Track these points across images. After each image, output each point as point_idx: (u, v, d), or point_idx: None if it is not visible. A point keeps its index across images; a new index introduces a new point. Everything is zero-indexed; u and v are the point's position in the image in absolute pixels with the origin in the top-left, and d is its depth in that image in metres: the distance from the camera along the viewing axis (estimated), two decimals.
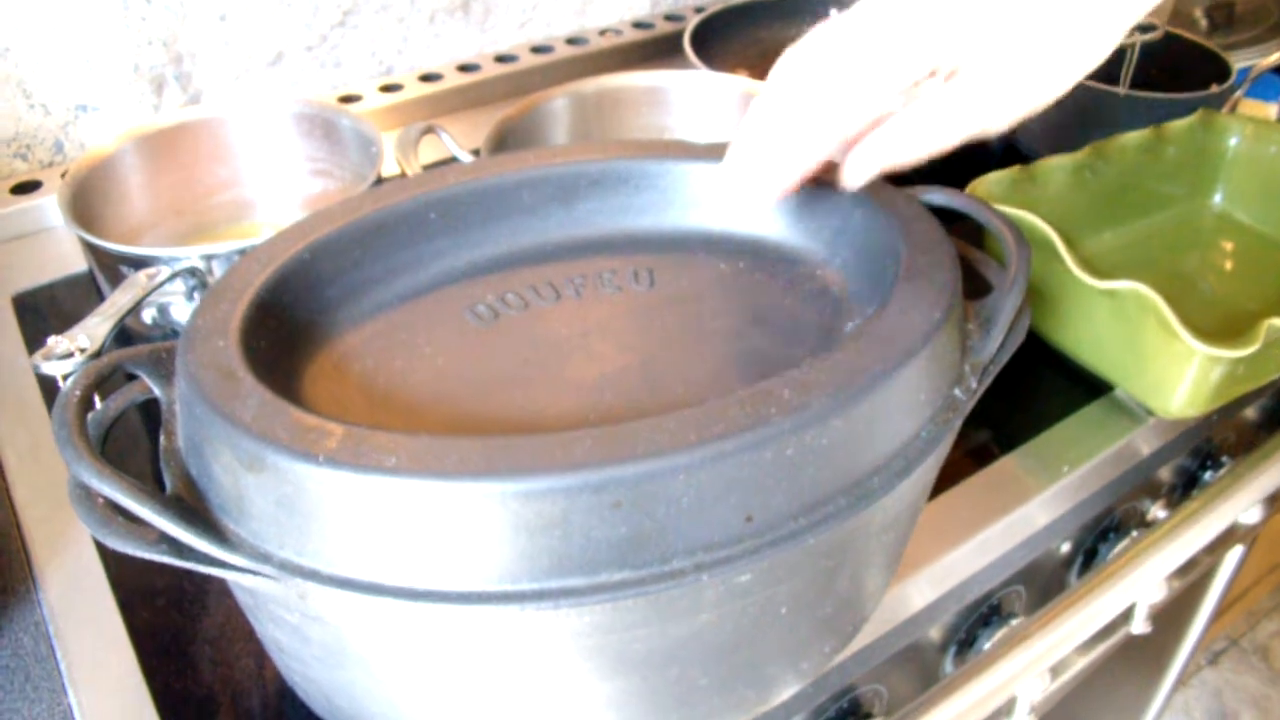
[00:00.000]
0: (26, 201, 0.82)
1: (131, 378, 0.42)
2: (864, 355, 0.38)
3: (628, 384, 0.41)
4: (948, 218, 0.47)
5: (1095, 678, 0.77)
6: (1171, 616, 0.99)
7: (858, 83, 0.42)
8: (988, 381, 0.43)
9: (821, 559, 0.39)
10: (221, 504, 0.36)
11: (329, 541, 0.34)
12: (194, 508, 0.36)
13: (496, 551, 0.33)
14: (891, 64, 0.41)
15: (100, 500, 0.36)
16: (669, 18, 1.14)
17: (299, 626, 0.38)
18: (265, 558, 0.35)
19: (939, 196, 0.48)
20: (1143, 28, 0.83)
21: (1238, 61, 0.91)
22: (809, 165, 0.44)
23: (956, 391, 0.42)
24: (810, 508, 0.36)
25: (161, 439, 0.40)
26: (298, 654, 0.40)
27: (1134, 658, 1.00)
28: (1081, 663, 0.81)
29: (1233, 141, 0.83)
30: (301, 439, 0.34)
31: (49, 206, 0.82)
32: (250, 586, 0.36)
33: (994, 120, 0.43)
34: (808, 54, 0.43)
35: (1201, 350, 0.60)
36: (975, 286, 0.47)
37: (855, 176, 0.45)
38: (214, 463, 0.36)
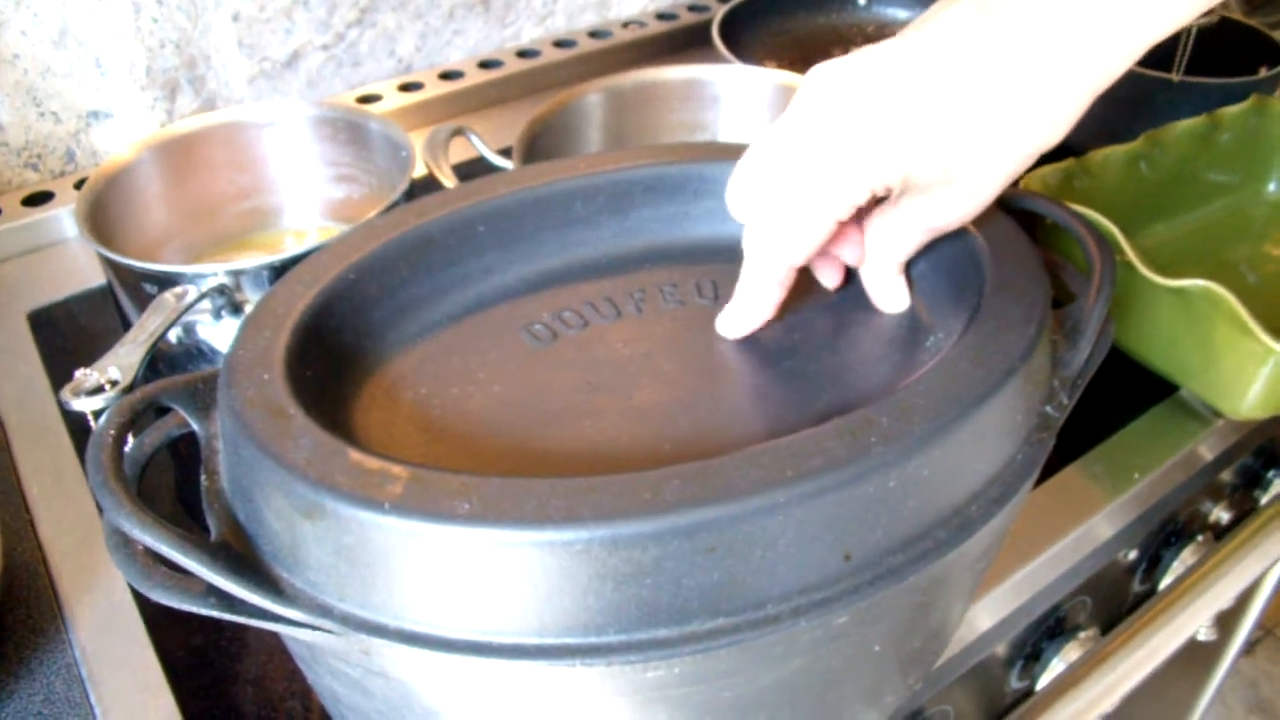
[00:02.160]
0: (39, 214, 0.79)
1: (165, 410, 0.39)
2: (963, 376, 0.35)
3: (701, 408, 0.39)
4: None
5: (1150, 681, 0.75)
6: (1226, 617, 0.96)
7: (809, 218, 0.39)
8: (1077, 395, 0.41)
9: (918, 594, 0.36)
10: (274, 552, 0.33)
11: (395, 594, 0.31)
12: (244, 556, 0.34)
13: (580, 602, 0.30)
14: (828, 201, 0.39)
15: (140, 548, 0.34)
16: (692, 8, 1.11)
17: (360, 680, 0.35)
18: (325, 611, 0.32)
19: (1019, 200, 0.45)
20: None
21: None
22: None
23: (1048, 409, 0.39)
24: (910, 542, 0.34)
25: (202, 478, 0.37)
26: (357, 707, 0.37)
27: (1186, 658, 0.97)
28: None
29: None
30: (363, 484, 0.31)
31: (63, 218, 0.80)
32: (308, 640, 0.33)
33: (958, 220, 0.41)
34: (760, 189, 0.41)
35: (1279, 350, 0.57)
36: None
37: (880, 299, 0.44)
38: (265, 509, 0.33)
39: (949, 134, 0.37)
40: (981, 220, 0.43)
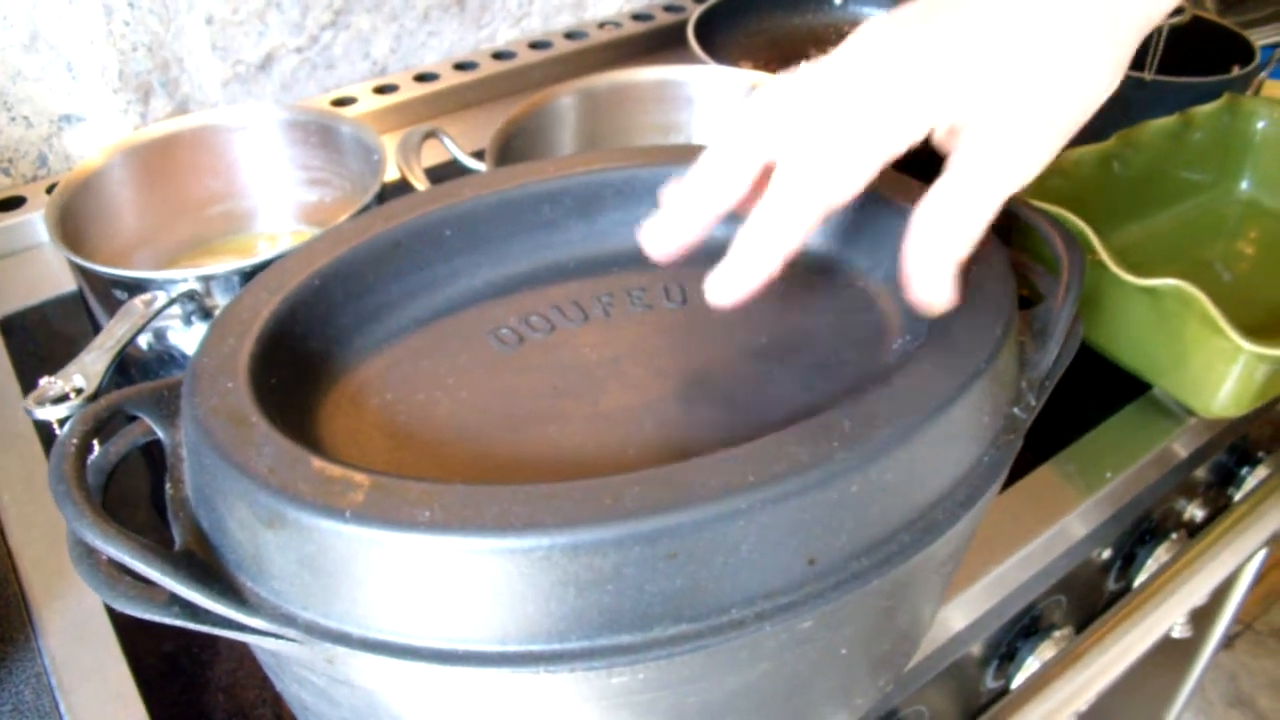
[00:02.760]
0: (10, 219, 0.79)
1: (132, 418, 0.39)
2: (927, 379, 0.35)
3: (667, 413, 0.39)
4: None
5: (1126, 677, 0.75)
6: (1202, 614, 0.97)
7: (849, 154, 0.37)
8: (1045, 396, 0.41)
9: (884, 598, 0.36)
10: (238, 561, 0.33)
11: (358, 602, 0.31)
12: (208, 565, 0.34)
13: (543, 609, 0.30)
14: (883, 132, 0.37)
15: (104, 558, 0.33)
16: (668, 8, 1.11)
17: (325, 689, 0.35)
18: (289, 620, 0.32)
19: None
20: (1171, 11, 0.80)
21: (1256, 41, 0.88)
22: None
23: (1016, 410, 0.40)
24: (874, 546, 0.34)
25: (167, 487, 0.37)
26: (324, 715, 0.37)
27: (1163, 654, 0.98)
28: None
29: (1260, 125, 0.80)
30: (325, 492, 0.31)
31: (35, 223, 0.79)
32: (273, 649, 0.33)
33: (1023, 174, 0.39)
34: (779, 120, 0.38)
35: (1249, 349, 0.57)
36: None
37: (925, 293, 0.39)
38: (228, 517, 0.33)
39: (1003, 68, 0.37)
40: None
